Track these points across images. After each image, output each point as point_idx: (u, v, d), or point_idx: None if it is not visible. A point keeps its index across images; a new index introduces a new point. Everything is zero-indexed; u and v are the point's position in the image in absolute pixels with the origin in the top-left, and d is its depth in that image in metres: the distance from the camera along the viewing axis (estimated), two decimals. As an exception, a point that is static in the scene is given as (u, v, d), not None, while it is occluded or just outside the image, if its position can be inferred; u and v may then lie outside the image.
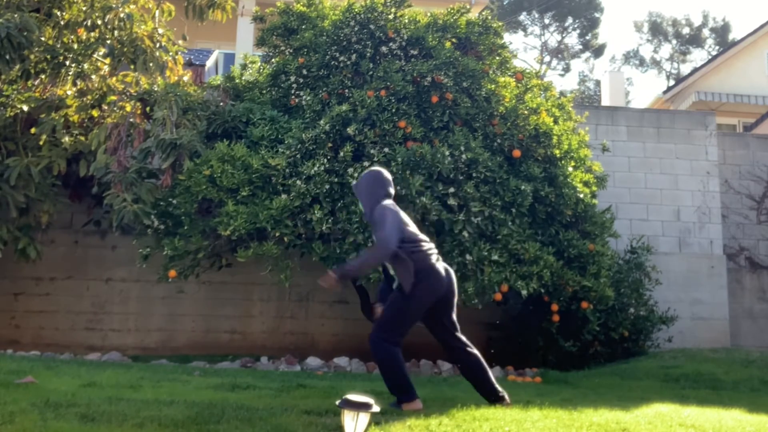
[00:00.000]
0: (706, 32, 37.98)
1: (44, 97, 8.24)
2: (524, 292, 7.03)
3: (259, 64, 8.88)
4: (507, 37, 29.82)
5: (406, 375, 4.28)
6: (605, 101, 21.48)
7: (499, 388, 4.46)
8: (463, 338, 4.45)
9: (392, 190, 4.51)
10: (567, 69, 39.81)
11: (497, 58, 8.45)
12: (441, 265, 4.39)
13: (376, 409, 3.34)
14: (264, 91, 8.28)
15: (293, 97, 7.98)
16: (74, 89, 8.25)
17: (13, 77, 7.97)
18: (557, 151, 7.89)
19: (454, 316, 4.44)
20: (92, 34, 8.11)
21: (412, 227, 4.43)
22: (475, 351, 4.44)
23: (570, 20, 37.21)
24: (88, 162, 7.84)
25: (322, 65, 7.95)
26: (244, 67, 8.95)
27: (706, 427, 4.07)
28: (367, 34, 7.91)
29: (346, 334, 9.07)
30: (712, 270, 10.10)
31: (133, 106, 8.07)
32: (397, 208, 4.39)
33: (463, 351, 4.41)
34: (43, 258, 8.34)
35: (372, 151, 7.19)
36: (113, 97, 8.19)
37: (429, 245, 4.41)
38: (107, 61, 8.16)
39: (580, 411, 4.37)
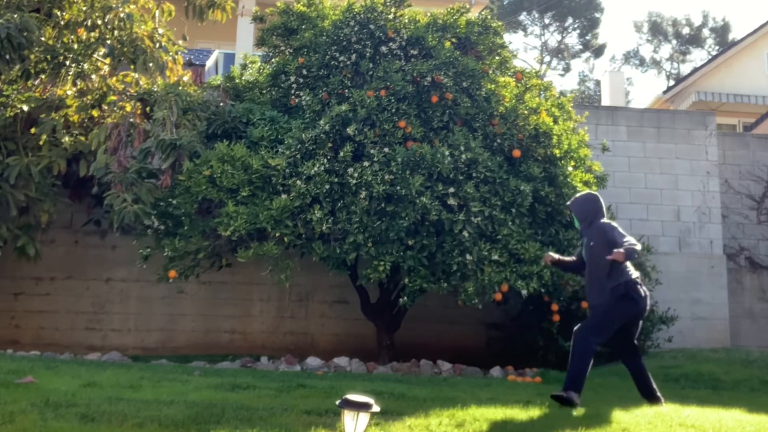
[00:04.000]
0: (706, 32, 37.94)
1: (44, 97, 8.24)
2: (524, 292, 7.03)
3: (259, 64, 8.87)
4: (507, 37, 29.74)
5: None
6: (605, 101, 21.46)
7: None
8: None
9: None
10: (567, 69, 39.82)
11: (497, 57, 8.45)
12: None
13: (376, 409, 3.35)
14: (264, 91, 8.27)
15: (293, 97, 7.98)
16: (74, 89, 8.25)
17: (13, 77, 7.97)
18: (557, 151, 7.89)
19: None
20: (92, 34, 8.11)
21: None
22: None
23: (570, 20, 37.18)
24: (88, 162, 7.84)
25: (322, 65, 7.95)
26: (244, 67, 8.94)
27: (706, 427, 4.07)
28: (367, 34, 7.90)
29: (346, 334, 9.08)
30: (712, 270, 10.10)
31: (133, 106, 8.07)
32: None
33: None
34: (43, 258, 8.34)
35: (372, 151, 7.19)
36: (113, 97, 8.19)
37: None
38: (107, 61, 8.17)
39: (580, 411, 4.38)
